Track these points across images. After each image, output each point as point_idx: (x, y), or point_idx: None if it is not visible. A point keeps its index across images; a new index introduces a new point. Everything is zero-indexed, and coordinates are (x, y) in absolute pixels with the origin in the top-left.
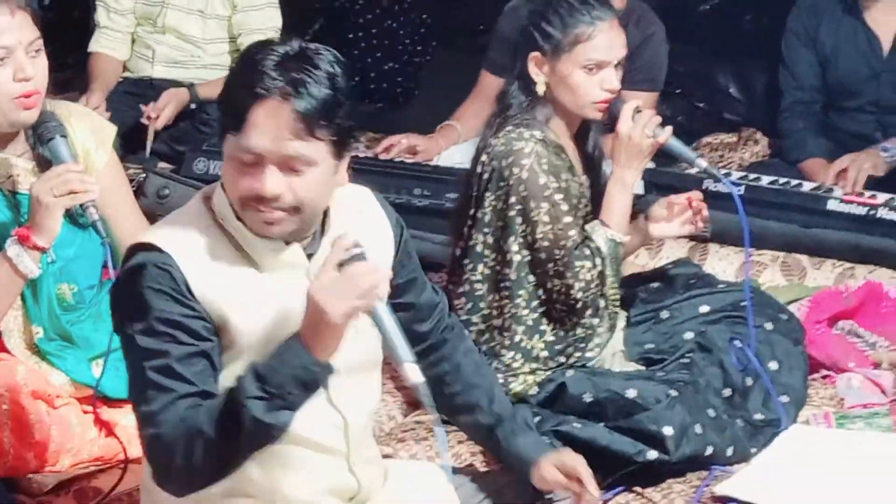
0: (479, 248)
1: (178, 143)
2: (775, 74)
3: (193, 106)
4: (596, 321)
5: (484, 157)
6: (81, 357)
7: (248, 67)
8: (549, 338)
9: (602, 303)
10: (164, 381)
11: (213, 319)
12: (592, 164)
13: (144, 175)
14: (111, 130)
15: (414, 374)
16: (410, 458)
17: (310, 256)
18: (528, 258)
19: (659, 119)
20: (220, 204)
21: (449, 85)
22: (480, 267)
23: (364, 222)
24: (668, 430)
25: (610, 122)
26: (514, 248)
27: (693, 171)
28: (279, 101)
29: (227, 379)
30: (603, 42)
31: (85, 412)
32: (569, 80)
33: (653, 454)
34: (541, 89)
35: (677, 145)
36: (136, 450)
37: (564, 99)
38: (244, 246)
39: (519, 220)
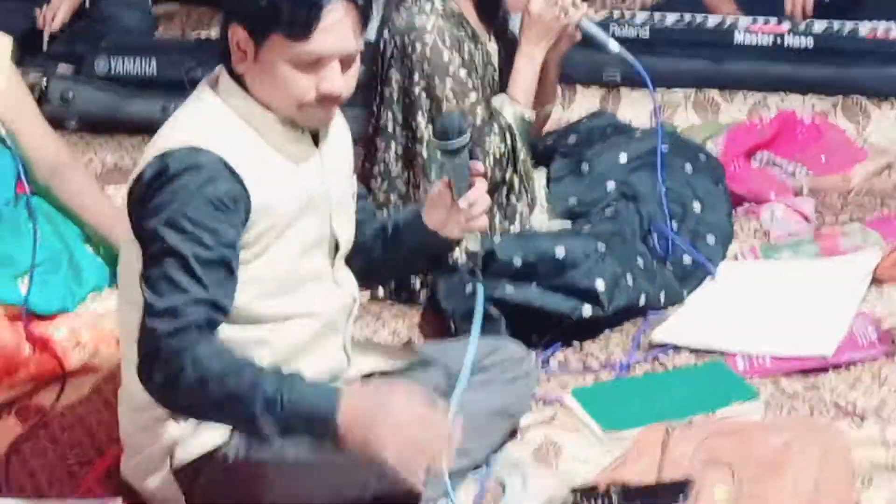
0: (389, 127)
1: (75, 44)
2: None
3: (87, 4)
4: (514, 198)
5: (386, 34)
6: (6, 275)
7: None
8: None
9: (517, 180)
10: (182, 278)
11: (256, 206)
12: (500, 30)
13: (46, 80)
14: (6, 43)
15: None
16: None
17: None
18: None
19: None
20: (234, 97)
21: None
22: (393, 145)
23: None
24: (600, 285)
25: None
26: (423, 124)
27: (596, 18)
28: (345, 2)
29: (260, 268)
30: None
31: (16, 331)
32: None
33: (587, 309)
34: None
35: (589, 27)
36: (71, 361)
37: None
38: (268, 132)
39: (424, 95)
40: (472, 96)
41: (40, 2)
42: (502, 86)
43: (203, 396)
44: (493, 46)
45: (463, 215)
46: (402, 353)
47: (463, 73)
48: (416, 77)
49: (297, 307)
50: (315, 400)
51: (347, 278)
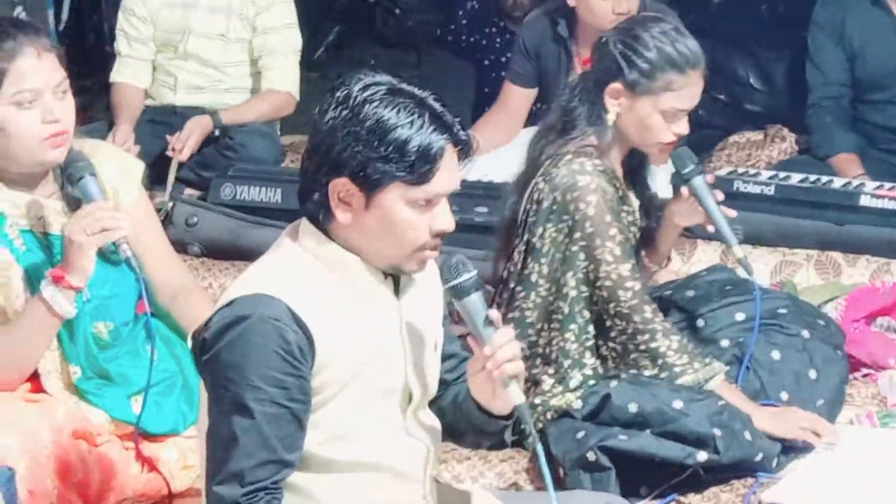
0: (534, 278)
1: (203, 169)
2: (793, 63)
3: (217, 132)
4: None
5: (542, 185)
6: (120, 394)
7: (409, 124)
8: (589, 372)
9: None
10: (248, 441)
11: (322, 355)
12: (642, 186)
13: (172, 204)
14: (138, 167)
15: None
16: (453, 478)
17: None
18: (585, 294)
19: None
20: (317, 243)
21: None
22: (532, 295)
23: None
24: (717, 431)
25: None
26: (572, 283)
27: (722, 173)
28: (453, 145)
29: (325, 415)
30: (690, 93)
31: (126, 449)
32: (645, 120)
33: (702, 455)
34: (611, 119)
35: (723, 225)
36: (178, 483)
37: (632, 134)
38: (349, 279)
39: (582, 255)
40: (630, 264)
41: (171, 127)
42: (638, 243)
43: None
44: (636, 204)
45: (489, 362)
46: None
47: (621, 238)
48: (577, 236)
49: (364, 456)
50: None
51: (428, 427)
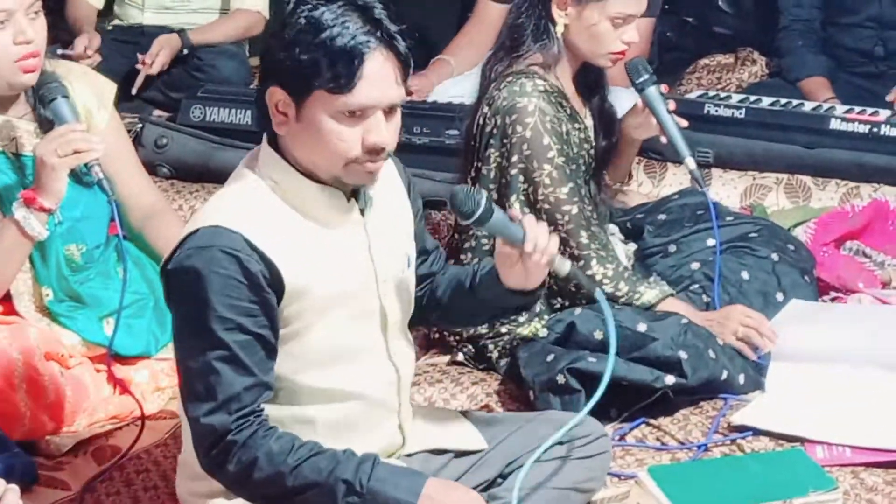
0: None
1: (171, 90)
2: None
3: (185, 51)
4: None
5: (486, 109)
6: (92, 316)
7: (335, 26)
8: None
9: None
10: (226, 369)
11: (291, 286)
12: (598, 104)
13: (141, 125)
14: (111, 89)
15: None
16: (425, 400)
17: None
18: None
19: None
20: (274, 170)
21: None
22: None
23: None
24: (683, 354)
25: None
26: (517, 206)
27: (692, 96)
28: (385, 51)
29: (302, 344)
30: None
31: (98, 371)
32: (593, 29)
33: (670, 379)
34: (560, 31)
35: (676, 136)
36: (150, 406)
37: (581, 44)
38: (307, 206)
39: (521, 178)
40: (568, 187)
41: (139, 47)
42: (597, 161)
43: (280, 487)
44: (590, 122)
45: (535, 254)
46: (463, 434)
47: (560, 160)
48: (515, 158)
49: (341, 383)
50: (397, 492)
51: (405, 351)
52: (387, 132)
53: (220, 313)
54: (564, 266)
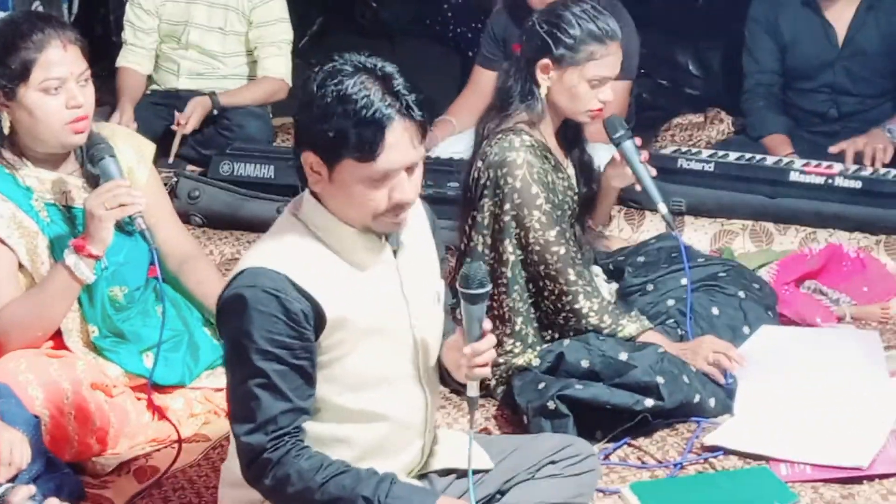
0: (479, 248)
1: (203, 147)
2: (729, 51)
3: (216, 112)
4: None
5: (480, 164)
6: (133, 350)
7: (359, 100)
8: (537, 324)
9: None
10: (265, 395)
11: (331, 318)
12: (579, 156)
13: (176, 179)
14: (151, 148)
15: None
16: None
17: (393, 252)
18: (521, 257)
19: None
20: (315, 217)
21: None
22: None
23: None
24: (660, 379)
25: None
26: (510, 248)
27: (667, 151)
28: (404, 121)
29: (342, 369)
30: (610, 62)
31: (139, 399)
32: (573, 90)
33: (650, 402)
34: (543, 92)
35: (651, 186)
36: (185, 430)
37: (563, 104)
38: (345, 250)
39: (514, 224)
40: (555, 230)
41: (173, 109)
42: (580, 207)
43: (310, 500)
44: (571, 171)
45: (466, 362)
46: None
47: (548, 207)
48: (507, 206)
49: (376, 406)
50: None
51: (433, 379)
52: (409, 188)
53: (260, 346)
54: (474, 391)
